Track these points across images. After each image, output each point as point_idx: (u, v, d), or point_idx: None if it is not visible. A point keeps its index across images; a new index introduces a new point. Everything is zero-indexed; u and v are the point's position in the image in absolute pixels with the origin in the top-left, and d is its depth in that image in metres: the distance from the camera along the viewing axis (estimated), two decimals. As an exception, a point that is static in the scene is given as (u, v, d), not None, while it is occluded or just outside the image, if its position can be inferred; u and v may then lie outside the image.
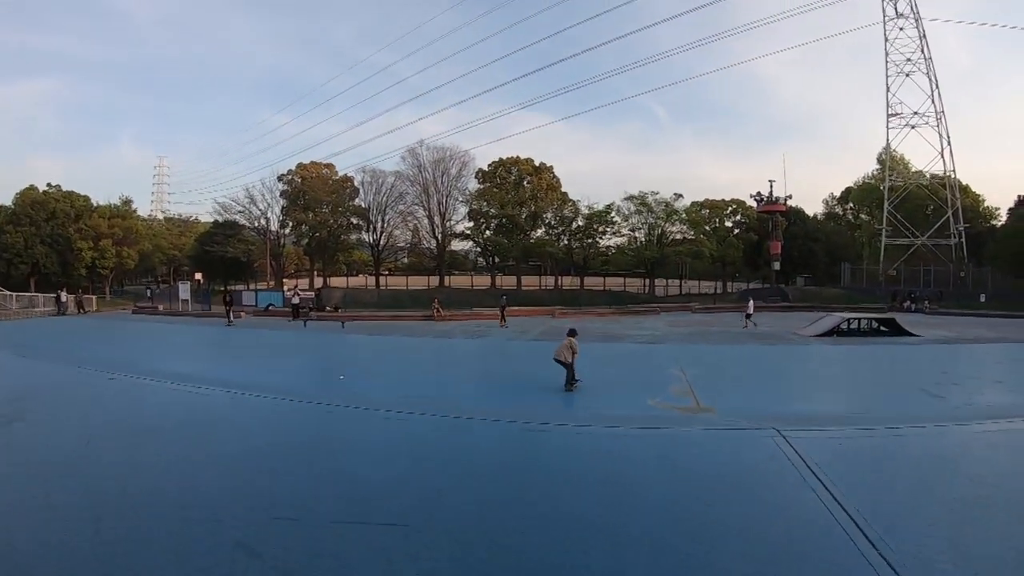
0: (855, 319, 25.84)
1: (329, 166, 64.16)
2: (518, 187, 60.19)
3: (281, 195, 62.71)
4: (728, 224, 62.18)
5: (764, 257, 56.20)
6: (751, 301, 31.60)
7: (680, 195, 57.73)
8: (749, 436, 6.69)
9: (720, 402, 10.51)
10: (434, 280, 61.61)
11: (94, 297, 51.00)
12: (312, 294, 46.86)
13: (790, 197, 55.72)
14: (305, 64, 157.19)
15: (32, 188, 60.26)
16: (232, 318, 31.99)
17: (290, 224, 62.93)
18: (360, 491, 4.71)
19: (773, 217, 53.68)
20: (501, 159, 61.15)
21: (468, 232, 62.83)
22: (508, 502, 4.55)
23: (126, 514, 4.13)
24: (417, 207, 62.63)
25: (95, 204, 61.36)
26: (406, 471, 5.36)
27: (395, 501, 4.48)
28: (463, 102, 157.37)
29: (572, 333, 13.28)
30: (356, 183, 63.34)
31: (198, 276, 58.25)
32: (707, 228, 58.91)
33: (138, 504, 4.33)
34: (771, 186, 54.40)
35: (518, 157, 60.93)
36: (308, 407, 8.83)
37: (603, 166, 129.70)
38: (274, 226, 63.25)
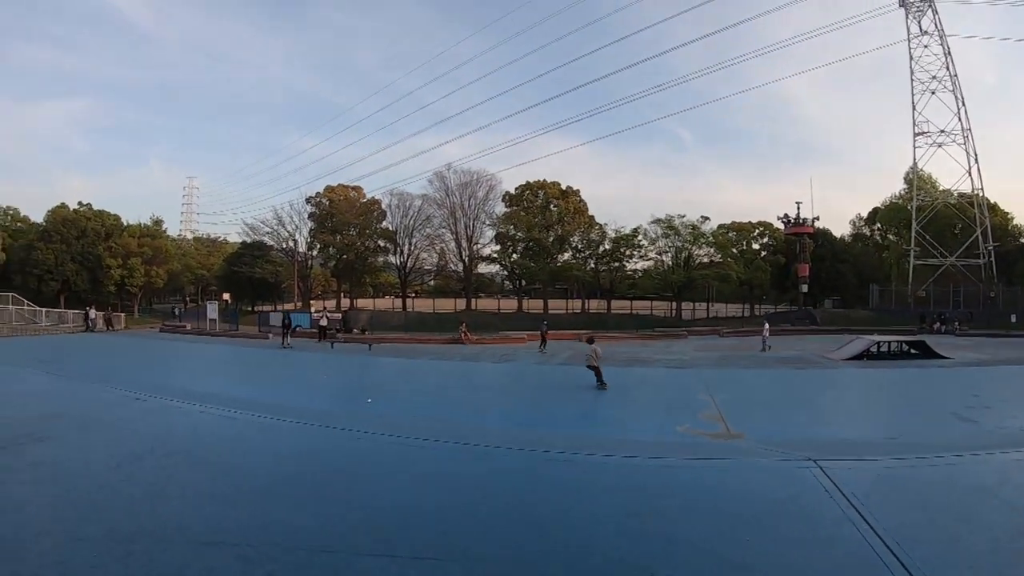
0: (885, 342, 25.47)
1: (357, 189, 65.17)
2: (545, 211, 60.58)
3: (309, 217, 63.71)
4: (755, 247, 61.86)
5: (792, 280, 55.67)
6: (767, 324, 31.40)
7: (707, 218, 57.68)
8: (783, 465, 6.51)
9: (751, 428, 10.37)
10: (461, 303, 61.87)
11: (123, 315, 51.79)
12: (339, 316, 47.16)
13: (817, 219, 55.40)
14: (332, 88, 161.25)
15: (63, 206, 61.97)
16: (287, 341, 31.94)
17: (318, 246, 63.77)
18: (389, 522, 4.60)
19: (801, 239, 53.25)
20: (528, 183, 61.73)
21: (495, 255, 63.29)
22: (534, 534, 4.47)
23: (155, 546, 4.04)
24: (444, 230, 63.49)
25: (125, 223, 62.83)
26: (433, 501, 5.23)
27: (423, 532, 4.38)
28: (488, 126, 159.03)
29: (591, 340, 15.55)
30: (383, 206, 64.42)
31: (226, 296, 59.18)
32: (734, 251, 58.51)
33: (168, 535, 4.23)
34: (798, 208, 54.11)
35: (544, 181, 61.35)
36: (335, 432, 8.69)
37: (628, 189, 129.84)
38: (302, 248, 64.18)
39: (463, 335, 34.95)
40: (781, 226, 57.06)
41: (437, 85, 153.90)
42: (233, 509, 4.92)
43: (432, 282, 70.80)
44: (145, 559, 3.87)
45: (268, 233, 63.85)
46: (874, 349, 24.38)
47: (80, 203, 63.02)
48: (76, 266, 57.41)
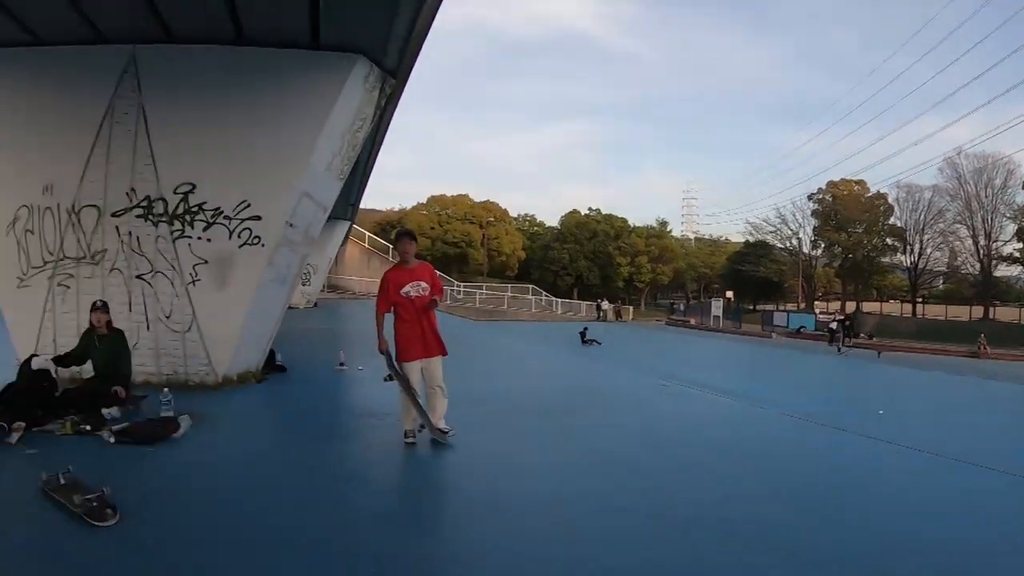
0: None
1: (860, 183, 62.53)
2: (1081, 201, 52.01)
3: (812, 215, 63.04)
4: None
5: None
6: None
7: None
8: None
9: None
10: (977, 310, 56.39)
11: (630, 307, 56.52)
12: (846, 320, 46.64)
13: None
14: (811, 79, 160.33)
15: (575, 212, 70.41)
16: (843, 345, 28.78)
17: (821, 244, 63.10)
18: (896, 548, 4.01)
19: None
20: (1056, 166, 52.27)
21: (1017, 255, 55.70)
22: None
23: (705, 536, 4.07)
24: (959, 226, 57.87)
25: (632, 225, 66.27)
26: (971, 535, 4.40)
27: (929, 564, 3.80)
28: (991, 102, 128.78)
29: None
30: (890, 200, 61.00)
31: (729, 294, 61.12)
32: None
33: (713, 526, 4.22)
34: None
35: (1078, 161, 52.94)
36: (864, 441, 7.72)
37: None
38: (805, 247, 64.23)
39: (981, 348, 32.96)
40: None
41: (927, 61, 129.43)
42: (772, 513, 4.64)
43: (941, 286, 65.41)
44: (676, 549, 3.85)
45: (771, 232, 64.59)
46: None
47: (589, 208, 71.79)
48: (588, 263, 65.13)
